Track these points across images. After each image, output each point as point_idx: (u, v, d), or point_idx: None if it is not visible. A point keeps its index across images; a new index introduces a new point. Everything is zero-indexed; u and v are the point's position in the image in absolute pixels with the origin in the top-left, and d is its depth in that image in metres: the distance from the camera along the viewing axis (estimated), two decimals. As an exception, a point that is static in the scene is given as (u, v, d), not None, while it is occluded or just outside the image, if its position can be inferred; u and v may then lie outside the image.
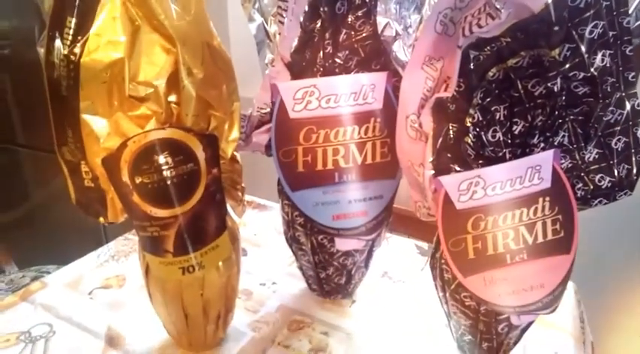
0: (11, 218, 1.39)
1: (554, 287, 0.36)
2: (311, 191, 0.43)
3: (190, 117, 0.36)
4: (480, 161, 0.35)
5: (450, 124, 0.35)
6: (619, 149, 0.36)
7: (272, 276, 0.56)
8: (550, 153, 0.34)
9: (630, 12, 0.32)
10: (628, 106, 0.35)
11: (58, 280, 0.55)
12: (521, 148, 0.35)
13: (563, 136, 0.36)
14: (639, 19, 0.32)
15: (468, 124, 0.35)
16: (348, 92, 0.42)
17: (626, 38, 0.32)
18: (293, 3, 0.39)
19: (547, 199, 0.35)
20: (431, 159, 0.35)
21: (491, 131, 0.35)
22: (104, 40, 0.34)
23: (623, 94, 0.35)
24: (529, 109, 0.34)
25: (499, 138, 0.35)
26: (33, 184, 1.38)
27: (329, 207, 0.43)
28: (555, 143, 0.35)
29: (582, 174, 0.36)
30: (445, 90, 0.35)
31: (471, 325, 0.39)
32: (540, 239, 0.35)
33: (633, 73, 0.34)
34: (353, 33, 0.41)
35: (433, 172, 0.35)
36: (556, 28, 0.29)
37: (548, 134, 0.35)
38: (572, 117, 0.35)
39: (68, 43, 0.34)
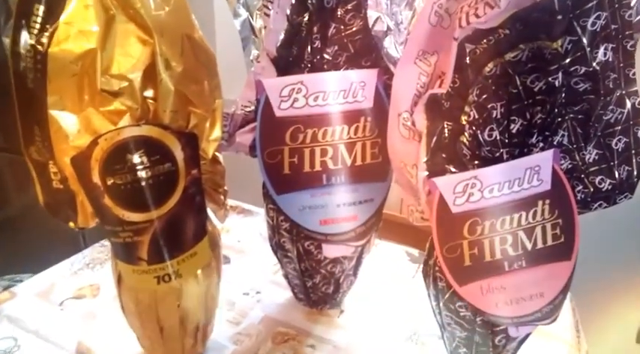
0: (-13, 224, 1.34)
1: (554, 296, 0.34)
2: (297, 194, 0.41)
3: (168, 113, 0.34)
4: (476, 162, 0.33)
5: (445, 123, 0.33)
6: (619, 150, 0.35)
7: (256, 285, 0.53)
8: (550, 153, 0.33)
9: (632, 5, 0.30)
10: (628, 105, 0.33)
11: (28, 290, 0.51)
12: (519, 147, 0.33)
13: (563, 135, 0.34)
14: (641, 14, 0.31)
15: (464, 123, 0.33)
16: (337, 90, 0.40)
17: (627, 32, 0.31)
18: (279, -6, 0.37)
19: (547, 202, 0.33)
20: (425, 159, 0.33)
21: (487, 130, 0.33)
22: (75, 29, 0.31)
23: (624, 91, 0.33)
24: (528, 106, 0.32)
25: (496, 137, 0.33)
26: (11, 188, 1.33)
27: (316, 211, 0.41)
28: (554, 143, 0.34)
29: (582, 176, 0.35)
30: (440, 86, 0.33)
31: (467, 337, 0.37)
32: (540, 245, 0.33)
33: (634, 70, 0.33)
34: (342, 27, 0.39)
35: (427, 173, 0.33)
36: (559, 17, 0.27)
37: (547, 133, 0.33)
38: (571, 115, 0.33)
39: (35, 32, 0.31)
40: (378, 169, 0.42)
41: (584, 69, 0.30)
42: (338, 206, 0.41)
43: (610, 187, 0.35)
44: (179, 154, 0.35)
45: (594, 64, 0.30)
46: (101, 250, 0.60)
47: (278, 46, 0.39)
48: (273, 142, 0.40)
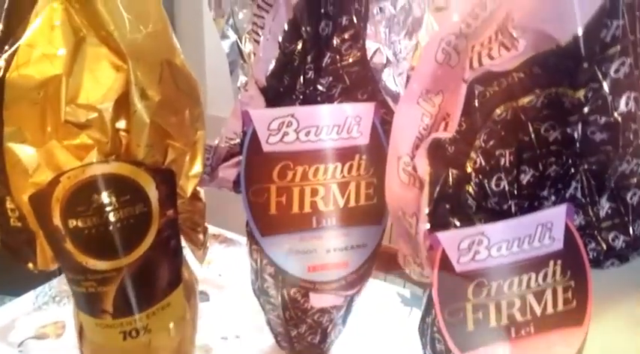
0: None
1: (563, 365, 0.30)
2: (284, 237, 0.37)
3: (142, 148, 0.30)
4: (483, 214, 0.30)
5: (450, 170, 0.30)
6: (634, 204, 0.32)
7: (236, 328, 0.49)
8: (563, 208, 0.30)
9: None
10: (645, 156, 0.31)
11: (-16, 327, 0.47)
12: (529, 200, 0.30)
13: (576, 188, 0.31)
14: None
15: (469, 170, 0.30)
16: (330, 124, 0.36)
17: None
18: (271, 20, 0.34)
19: (558, 262, 0.30)
20: (427, 210, 0.30)
21: (495, 179, 0.30)
22: (38, 52, 0.28)
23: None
24: (541, 156, 0.29)
25: (504, 187, 0.30)
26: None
27: (304, 256, 0.37)
28: (567, 196, 0.31)
29: (595, 232, 0.32)
30: (445, 129, 0.30)
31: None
32: (550, 310, 0.30)
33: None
34: (338, 57, 0.36)
35: (429, 225, 0.30)
36: (585, 64, 0.24)
37: (559, 186, 0.30)
38: (586, 166, 0.30)
39: (-8, 54, 0.28)
40: (372, 212, 0.38)
41: (604, 119, 0.27)
42: (328, 251, 0.38)
43: (624, 245, 0.32)
44: (153, 193, 0.31)
45: (616, 114, 0.27)
46: (70, 281, 0.55)
47: (268, 76, 0.36)
48: (260, 179, 0.36)
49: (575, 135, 0.27)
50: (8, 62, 0.27)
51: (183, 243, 0.36)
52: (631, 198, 0.32)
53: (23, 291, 0.54)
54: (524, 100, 0.28)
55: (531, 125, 0.28)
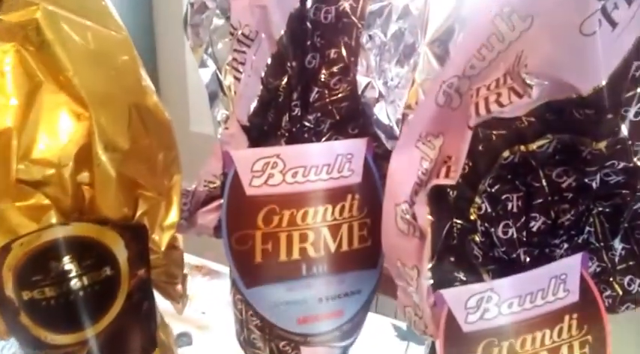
0: None
1: None
2: (271, 288, 0.34)
3: (108, 203, 0.27)
4: (490, 265, 0.28)
5: (454, 220, 0.27)
6: (649, 244, 0.30)
7: (222, 375, 0.46)
8: (577, 258, 0.27)
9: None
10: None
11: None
12: (539, 248, 0.28)
13: (589, 232, 0.29)
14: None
15: (474, 217, 0.28)
16: (319, 164, 0.33)
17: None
18: (252, 55, 0.31)
19: (574, 316, 0.27)
20: (429, 264, 0.27)
21: (502, 226, 0.28)
22: (-16, 101, 0.24)
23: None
24: (553, 203, 0.27)
25: (512, 235, 0.28)
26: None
27: (294, 307, 0.34)
28: (579, 242, 0.28)
29: (610, 278, 0.29)
30: (446, 174, 0.27)
31: None
32: (567, 369, 0.27)
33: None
34: (326, 92, 0.33)
35: (432, 281, 0.27)
36: (609, 115, 0.22)
37: (573, 232, 0.28)
38: (599, 209, 0.28)
39: None
40: (367, 255, 0.36)
41: (622, 164, 0.25)
42: (320, 301, 0.35)
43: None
44: (122, 253, 0.28)
45: (635, 159, 0.25)
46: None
47: (250, 114, 0.32)
48: (243, 225, 0.33)
49: (594, 184, 0.25)
50: (-52, 115, 0.24)
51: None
52: (645, 238, 0.30)
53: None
54: (535, 145, 0.25)
55: (542, 171, 0.26)
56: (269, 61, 0.31)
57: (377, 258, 0.36)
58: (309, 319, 0.35)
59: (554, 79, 0.20)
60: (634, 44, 0.21)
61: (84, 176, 0.26)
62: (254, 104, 0.32)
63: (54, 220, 0.25)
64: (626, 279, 0.30)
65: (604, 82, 0.20)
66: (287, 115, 0.33)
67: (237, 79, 0.32)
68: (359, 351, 0.46)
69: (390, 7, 0.33)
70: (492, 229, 0.27)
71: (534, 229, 0.27)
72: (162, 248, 0.31)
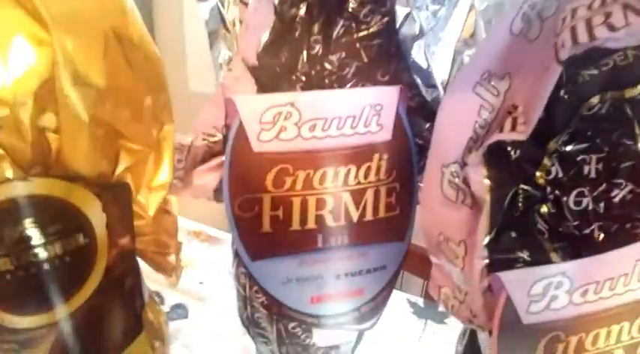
0: None
1: None
2: (281, 261, 0.29)
3: (81, 154, 0.21)
4: (558, 243, 0.22)
5: (521, 186, 0.22)
6: None
7: (220, 352, 0.41)
8: (670, 236, 0.22)
9: None
10: None
11: None
12: (618, 223, 0.22)
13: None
14: None
15: (541, 182, 0.22)
16: (342, 115, 0.27)
17: None
18: (263, -27, 0.25)
19: (661, 307, 0.22)
20: (486, 240, 0.22)
21: (574, 194, 0.22)
22: None
23: None
24: (649, 168, 0.21)
25: (587, 206, 0.22)
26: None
27: (306, 285, 0.29)
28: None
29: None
30: (513, 127, 0.21)
31: None
32: (648, 371, 0.22)
33: None
34: (354, 26, 0.27)
35: (487, 261, 0.22)
36: None
37: (662, 204, 0.22)
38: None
39: None
40: (394, 226, 0.30)
41: None
42: (337, 277, 0.29)
43: None
44: (98, 217, 0.22)
45: None
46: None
47: (260, 51, 0.26)
48: (249, 187, 0.28)
49: None
50: None
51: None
52: None
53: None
54: (637, 89, 0.19)
55: (638, 124, 0.20)
56: (285, -18, 0.25)
57: (405, 229, 0.31)
58: (324, 298, 0.30)
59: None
60: None
61: (47, 119, 0.20)
62: (264, 38, 0.26)
63: (9, 174, 0.20)
64: None
65: None
66: (304, 53, 0.27)
67: (245, 4, 0.26)
68: (372, 331, 0.41)
69: None
70: (564, 199, 0.22)
71: (616, 199, 0.22)
72: (151, 212, 0.25)
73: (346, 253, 0.29)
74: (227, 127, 0.27)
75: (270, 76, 0.27)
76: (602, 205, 0.22)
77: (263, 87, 0.27)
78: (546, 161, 0.22)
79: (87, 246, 0.22)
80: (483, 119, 0.22)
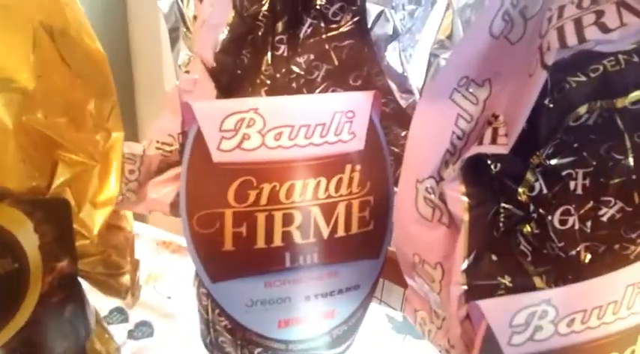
0: None
1: None
2: (245, 283, 0.26)
3: (6, 168, 0.19)
4: (542, 267, 0.20)
5: (502, 204, 0.20)
6: None
7: (187, 375, 0.39)
8: (663, 259, 0.20)
9: None
10: None
11: None
12: (607, 244, 0.21)
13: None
14: None
15: (523, 199, 0.20)
16: (311, 123, 0.25)
17: None
18: (221, -35, 0.22)
19: (654, 335, 0.20)
20: (464, 264, 0.20)
21: (559, 212, 0.20)
22: None
23: None
24: (638, 184, 0.19)
25: (573, 225, 0.20)
26: None
27: (273, 308, 0.27)
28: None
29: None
30: (493, 139, 0.19)
31: None
32: (639, 405, 0.20)
33: None
34: (323, 25, 0.25)
35: (465, 287, 0.20)
36: None
37: (655, 223, 0.20)
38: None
39: None
40: (367, 242, 0.28)
41: None
42: (307, 299, 0.27)
43: None
44: (29, 239, 0.19)
45: None
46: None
47: (218, 50, 0.24)
48: (209, 202, 0.25)
49: None
50: None
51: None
52: None
53: None
54: (628, 99, 0.17)
55: (630, 137, 0.18)
56: (245, -25, 0.23)
57: (380, 246, 0.29)
58: (293, 321, 0.27)
59: None
60: None
61: (-35, 127, 0.18)
62: (222, 36, 0.23)
63: None
64: None
65: None
66: (268, 55, 0.25)
67: (201, -1, 0.23)
68: (353, 345, 0.39)
69: None
70: (548, 217, 0.20)
71: (605, 218, 0.20)
72: (95, 230, 0.23)
73: (316, 272, 0.27)
74: (184, 134, 0.25)
75: (230, 79, 0.25)
76: (589, 224, 0.21)
77: (224, 91, 0.25)
78: (529, 176, 0.20)
79: (16, 272, 0.19)
80: (461, 130, 0.20)
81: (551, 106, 0.18)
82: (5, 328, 0.19)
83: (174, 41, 0.31)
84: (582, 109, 0.18)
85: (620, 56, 0.17)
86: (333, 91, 0.26)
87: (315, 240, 0.27)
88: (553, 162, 0.20)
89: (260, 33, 0.24)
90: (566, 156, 0.20)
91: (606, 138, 0.19)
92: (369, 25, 0.24)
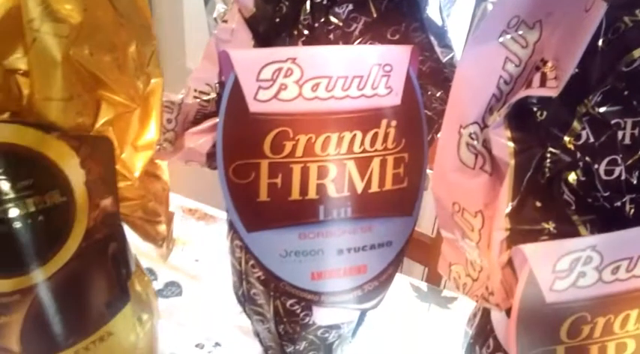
0: None
1: None
2: (279, 233, 0.26)
3: (55, 102, 0.19)
4: (586, 216, 0.20)
5: (549, 149, 0.19)
6: None
7: (214, 331, 0.40)
8: None
9: None
10: None
11: None
12: (653, 195, 0.20)
13: None
14: None
15: (569, 146, 0.20)
16: (348, 75, 0.25)
17: None
18: None
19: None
20: (507, 209, 0.19)
21: (606, 162, 0.20)
22: None
23: None
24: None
25: (619, 175, 0.20)
26: None
27: (307, 259, 0.27)
28: None
29: None
30: (542, 82, 0.19)
31: None
32: (680, 357, 0.20)
33: None
34: (364, -26, 0.24)
35: (508, 233, 0.19)
36: None
37: None
38: None
39: None
40: (401, 199, 0.28)
41: None
42: (340, 253, 0.27)
43: None
44: (76, 174, 0.20)
45: None
46: None
47: (257, 0, 0.24)
48: (245, 152, 0.25)
49: None
50: None
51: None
52: None
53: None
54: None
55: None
56: None
57: (413, 204, 0.29)
58: (325, 274, 0.28)
59: None
60: None
61: (15, 59, 0.18)
62: (264, -18, 0.23)
63: (-29, 121, 0.18)
64: None
65: None
66: (307, 3, 0.25)
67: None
68: (374, 314, 0.39)
69: None
70: (595, 166, 0.20)
71: (654, 168, 0.20)
72: (137, 174, 0.23)
73: (349, 226, 0.27)
74: (221, 84, 0.25)
75: (268, 28, 0.25)
76: (636, 175, 0.20)
77: (261, 40, 0.25)
78: (576, 124, 0.20)
79: (64, 206, 0.20)
80: (509, 74, 0.19)
81: (605, 48, 0.18)
82: (53, 259, 0.20)
83: (208, -2, 0.30)
84: (637, 53, 0.18)
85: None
86: (370, 43, 0.26)
87: (349, 194, 0.27)
88: (601, 110, 0.19)
89: (300, -20, 0.24)
90: (615, 104, 0.19)
91: (660, 83, 0.18)
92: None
